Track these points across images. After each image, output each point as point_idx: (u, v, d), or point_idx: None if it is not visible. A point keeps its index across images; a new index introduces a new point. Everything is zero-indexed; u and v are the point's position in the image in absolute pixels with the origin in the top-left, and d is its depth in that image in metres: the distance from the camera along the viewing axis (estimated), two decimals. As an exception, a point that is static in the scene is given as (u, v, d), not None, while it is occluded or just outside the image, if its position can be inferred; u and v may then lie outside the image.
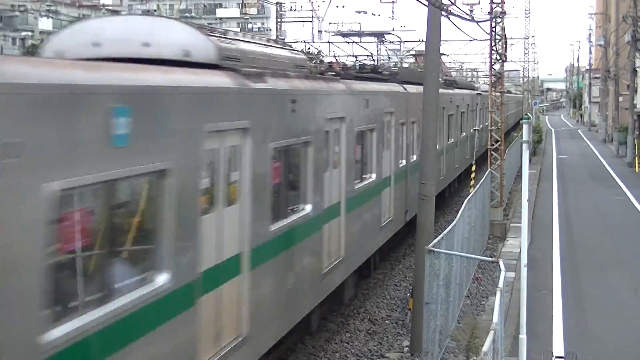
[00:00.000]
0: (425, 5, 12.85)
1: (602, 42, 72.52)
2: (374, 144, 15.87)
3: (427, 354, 11.31)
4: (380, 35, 37.64)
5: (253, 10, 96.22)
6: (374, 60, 34.22)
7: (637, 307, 15.72)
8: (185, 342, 7.55)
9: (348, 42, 36.96)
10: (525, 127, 9.52)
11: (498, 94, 25.95)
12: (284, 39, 45.86)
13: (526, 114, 19.29)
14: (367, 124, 15.18)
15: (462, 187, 31.06)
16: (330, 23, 46.52)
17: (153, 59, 8.51)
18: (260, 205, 9.56)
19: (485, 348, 7.17)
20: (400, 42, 47.27)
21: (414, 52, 45.95)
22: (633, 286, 17.34)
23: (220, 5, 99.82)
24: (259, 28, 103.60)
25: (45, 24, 65.82)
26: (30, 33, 61.31)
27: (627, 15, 47.98)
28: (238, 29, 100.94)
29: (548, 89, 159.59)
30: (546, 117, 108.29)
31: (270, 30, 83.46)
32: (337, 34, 37.09)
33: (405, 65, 47.35)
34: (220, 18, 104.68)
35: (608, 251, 21.23)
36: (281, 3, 49.79)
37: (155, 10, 75.93)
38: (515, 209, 26.50)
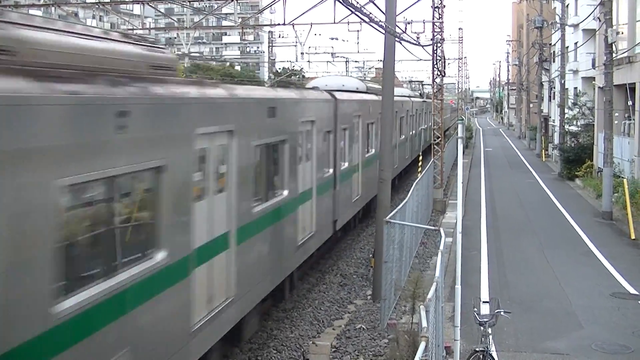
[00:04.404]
0: (382, 33, 12.77)
1: (517, 62, 72.62)
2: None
3: (385, 301, 11.30)
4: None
5: (250, 37, 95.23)
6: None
7: (542, 262, 15.81)
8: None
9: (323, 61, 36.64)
10: (459, 127, 9.46)
11: (439, 101, 25.96)
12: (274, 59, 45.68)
13: (460, 117, 19.27)
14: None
15: (411, 172, 31.10)
16: (309, 47, 46.18)
17: (345, 90, 17.40)
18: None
19: (429, 295, 7.14)
20: (364, 62, 47.12)
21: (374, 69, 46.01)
22: (539, 247, 17.43)
23: (225, 34, 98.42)
24: (254, 51, 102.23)
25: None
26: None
27: (535, 42, 48.20)
28: (239, 52, 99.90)
29: (477, 98, 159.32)
30: (476, 119, 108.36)
31: (264, 52, 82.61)
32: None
33: (368, 78, 47.41)
34: (225, 43, 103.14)
35: (521, 221, 21.32)
36: (272, 32, 49.39)
37: (175, 38, 74.65)
38: (452, 189, 26.60)
